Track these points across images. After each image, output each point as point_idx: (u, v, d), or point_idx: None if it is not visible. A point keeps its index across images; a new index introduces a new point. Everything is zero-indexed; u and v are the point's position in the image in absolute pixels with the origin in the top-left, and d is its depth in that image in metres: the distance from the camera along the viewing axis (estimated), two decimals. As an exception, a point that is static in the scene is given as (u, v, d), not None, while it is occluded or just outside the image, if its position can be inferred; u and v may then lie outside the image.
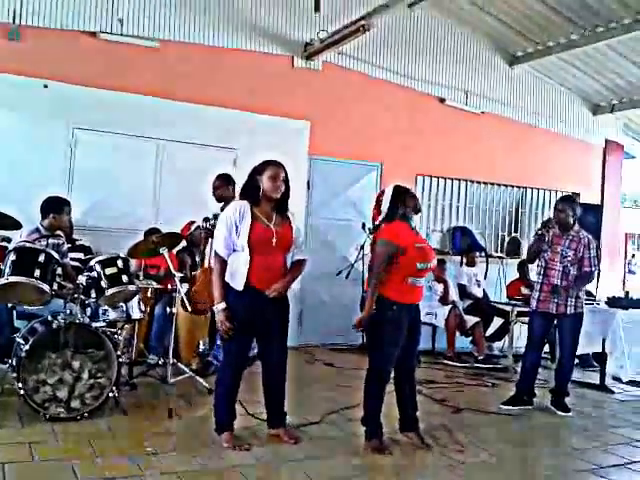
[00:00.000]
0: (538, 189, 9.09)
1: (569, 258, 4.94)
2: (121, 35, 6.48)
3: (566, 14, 7.44)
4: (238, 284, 3.57)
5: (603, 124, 9.54)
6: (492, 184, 8.74)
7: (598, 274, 5.36)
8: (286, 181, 3.69)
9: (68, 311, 4.12)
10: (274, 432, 3.88)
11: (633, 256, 23.60)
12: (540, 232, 5.10)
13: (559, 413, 5.02)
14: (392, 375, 3.96)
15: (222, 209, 5.38)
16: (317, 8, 6.90)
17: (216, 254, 3.62)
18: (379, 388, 3.85)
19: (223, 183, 5.42)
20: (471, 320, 7.10)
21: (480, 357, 6.95)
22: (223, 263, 3.61)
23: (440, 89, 8.25)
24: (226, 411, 3.74)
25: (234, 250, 3.59)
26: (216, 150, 6.87)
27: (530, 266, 6.83)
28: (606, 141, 9.60)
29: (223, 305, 3.55)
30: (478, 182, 8.63)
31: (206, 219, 5.30)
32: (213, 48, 6.94)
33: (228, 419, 3.74)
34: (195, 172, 6.61)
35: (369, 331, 3.90)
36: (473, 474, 3.53)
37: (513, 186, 8.91)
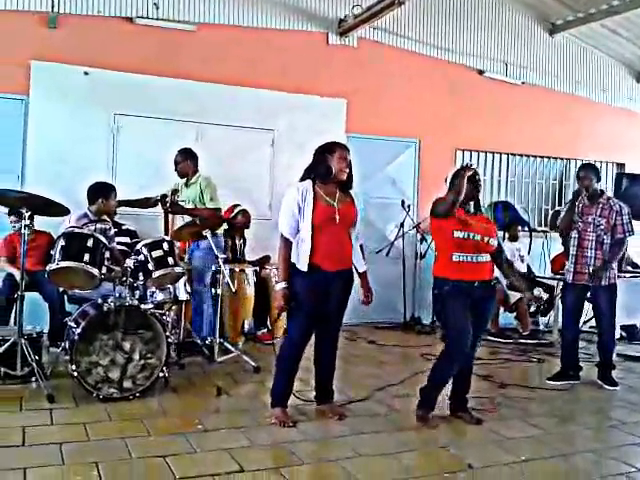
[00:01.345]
0: (582, 160, 8.86)
1: (602, 227, 4.88)
2: (157, 19, 6.54)
3: (607, -21, 7.20)
4: (302, 265, 3.64)
5: (647, 91, 9.24)
6: (534, 156, 8.58)
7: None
8: (350, 163, 3.78)
9: (117, 294, 4.22)
10: (320, 408, 3.95)
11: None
12: (571, 204, 5.01)
13: (606, 387, 4.96)
14: None
15: (186, 184, 5.48)
16: (351, -17, 6.83)
17: (282, 236, 3.70)
18: (448, 365, 3.84)
19: (183, 158, 5.50)
20: (515, 295, 7.01)
21: (525, 333, 6.88)
22: (288, 244, 3.68)
23: (479, 60, 8.11)
24: (285, 387, 3.82)
25: (298, 231, 3.66)
26: (254, 131, 6.92)
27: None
28: (651, 108, 9.30)
29: (283, 284, 3.65)
30: (520, 155, 8.48)
31: (164, 196, 5.41)
32: (248, 29, 6.94)
33: (285, 395, 3.82)
34: (234, 154, 6.69)
35: (439, 310, 3.90)
36: (520, 449, 3.52)
37: (556, 158, 8.73)
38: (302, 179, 3.77)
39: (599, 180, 4.97)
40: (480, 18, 8.08)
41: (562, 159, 8.78)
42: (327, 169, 3.70)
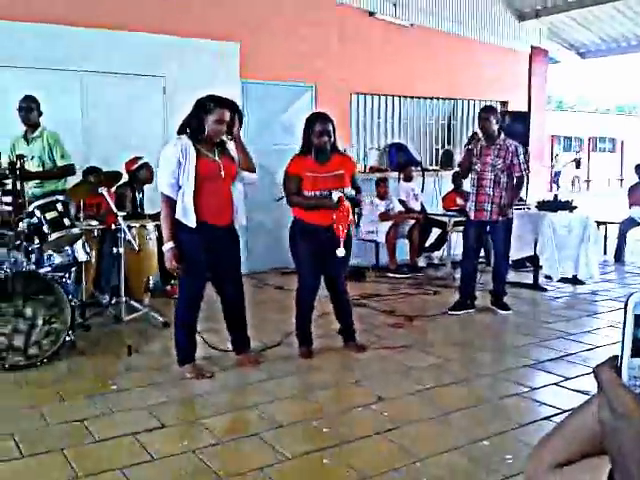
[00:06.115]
0: (468, 100, 9.23)
1: (499, 166, 5.19)
2: (27, -41, 6.01)
3: None
4: (190, 221, 3.58)
5: (529, 31, 9.64)
6: (425, 98, 8.81)
7: (527, 177, 5.68)
8: (231, 120, 3.66)
9: (12, 260, 4.03)
10: (239, 358, 4.02)
11: (557, 156, 24.49)
12: (469, 147, 5.29)
13: (500, 312, 5.38)
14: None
15: (26, 138, 5.11)
16: None
17: (162, 195, 3.60)
18: (300, 302, 4.19)
19: (34, 106, 5.12)
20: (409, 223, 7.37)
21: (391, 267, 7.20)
22: (170, 202, 3.59)
23: (369, 2, 8.09)
24: (187, 344, 3.83)
25: (179, 188, 3.57)
26: (143, 78, 6.61)
27: (464, 179, 7.05)
28: (532, 48, 9.74)
29: (171, 244, 3.58)
30: (411, 97, 8.67)
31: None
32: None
33: (189, 351, 3.84)
34: (124, 104, 6.40)
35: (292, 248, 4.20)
36: (425, 377, 3.78)
37: (445, 99, 9.01)
38: (179, 133, 3.65)
39: (498, 122, 5.25)
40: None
41: (450, 100, 9.07)
42: (200, 131, 3.58)
